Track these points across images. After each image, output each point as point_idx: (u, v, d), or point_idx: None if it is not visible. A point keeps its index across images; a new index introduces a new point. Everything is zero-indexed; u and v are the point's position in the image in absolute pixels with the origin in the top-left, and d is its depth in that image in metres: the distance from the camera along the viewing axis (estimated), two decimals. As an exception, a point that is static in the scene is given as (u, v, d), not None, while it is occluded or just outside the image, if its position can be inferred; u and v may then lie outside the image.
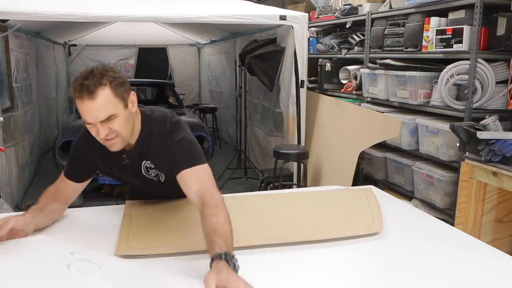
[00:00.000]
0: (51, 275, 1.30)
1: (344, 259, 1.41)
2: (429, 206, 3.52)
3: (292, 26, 4.05)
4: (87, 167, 1.70)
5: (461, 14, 3.25)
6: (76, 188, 1.71)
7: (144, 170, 1.66)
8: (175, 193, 1.82)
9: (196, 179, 1.50)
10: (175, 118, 1.65)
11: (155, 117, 1.64)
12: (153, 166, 1.65)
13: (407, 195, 3.79)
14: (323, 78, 5.11)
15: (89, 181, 1.74)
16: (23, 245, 1.46)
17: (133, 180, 1.74)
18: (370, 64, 4.25)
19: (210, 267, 1.18)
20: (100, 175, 4.07)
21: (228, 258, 1.18)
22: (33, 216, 1.54)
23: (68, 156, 1.75)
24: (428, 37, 3.52)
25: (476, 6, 3.06)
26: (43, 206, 1.59)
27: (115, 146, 1.52)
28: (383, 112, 3.91)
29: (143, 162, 1.65)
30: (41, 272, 1.31)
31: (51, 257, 1.40)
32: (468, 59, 3.16)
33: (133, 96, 1.52)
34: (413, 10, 3.69)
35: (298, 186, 4.18)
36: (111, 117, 1.44)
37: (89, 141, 1.60)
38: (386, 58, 3.98)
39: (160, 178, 1.68)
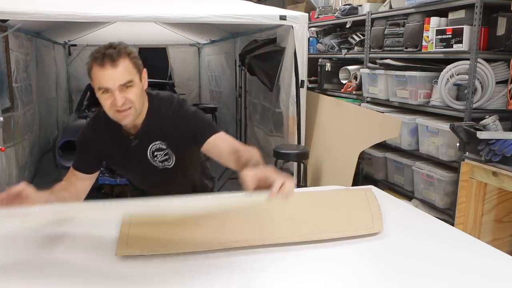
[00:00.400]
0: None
1: (344, 259, 1.41)
2: (429, 206, 3.52)
3: (292, 26, 4.04)
4: (93, 156, 1.74)
5: (461, 14, 3.25)
6: (84, 180, 1.73)
7: (150, 154, 1.68)
8: (177, 186, 1.82)
9: (227, 140, 1.61)
10: (180, 98, 1.77)
11: (161, 96, 1.72)
12: (164, 147, 1.67)
13: (407, 195, 3.79)
14: (323, 78, 5.11)
15: (96, 175, 1.76)
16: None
17: (136, 168, 1.76)
18: (370, 64, 4.25)
19: None
20: (101, 175, 4.10)
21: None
22: (42, 193, 1.46)
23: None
24: (428, 37, 3.52)
25: (476, 6, 3.06)
26: (54, 191, 1.59)
27: (128, 118, 1.56)
28: (383, 112, 3.91)
29: (151, 145, 1.67)
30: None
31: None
32: (468, 59, 3.16)
33: (145, 74, 1.61)
34: (413, 10, 3.69)
35: (298, 186, 4.17)
36: (129, 83, 1.50)
37: (94, 129, 1.70)
38: (386, 58, 3.98)
39: (169, 162, 1.70)
